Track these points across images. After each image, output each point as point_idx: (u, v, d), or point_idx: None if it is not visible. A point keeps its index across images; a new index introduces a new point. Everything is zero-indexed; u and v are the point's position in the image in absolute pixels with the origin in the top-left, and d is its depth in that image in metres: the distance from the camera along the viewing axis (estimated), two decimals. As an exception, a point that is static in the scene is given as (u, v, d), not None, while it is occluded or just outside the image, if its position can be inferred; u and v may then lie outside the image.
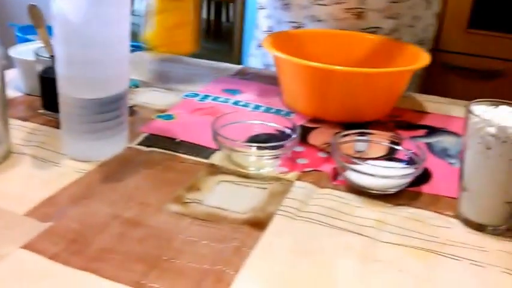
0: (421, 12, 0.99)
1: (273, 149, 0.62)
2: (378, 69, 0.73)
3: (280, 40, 0.84)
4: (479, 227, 0.54)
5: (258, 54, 1.11)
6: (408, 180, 0.58)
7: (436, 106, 0.87)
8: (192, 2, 0.86)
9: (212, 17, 4.81)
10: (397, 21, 0.95)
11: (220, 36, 4.78)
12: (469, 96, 1.07)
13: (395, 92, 0.79)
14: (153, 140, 0.68)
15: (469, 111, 0.51)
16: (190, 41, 0.89)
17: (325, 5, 0.93)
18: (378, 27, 0.94)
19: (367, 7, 0.92)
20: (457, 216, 0.55)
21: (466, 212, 0.54)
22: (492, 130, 0.49)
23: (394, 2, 0.93)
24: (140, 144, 0.67)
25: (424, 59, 0.78)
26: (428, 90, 0.99)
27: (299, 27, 0.98)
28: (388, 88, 0.78)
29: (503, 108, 0.53)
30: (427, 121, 0.80)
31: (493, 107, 0.53)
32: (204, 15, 4.63)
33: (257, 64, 1.11)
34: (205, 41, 4.58)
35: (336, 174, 0.63)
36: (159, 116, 0.76)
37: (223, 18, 5.03)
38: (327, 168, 0.64)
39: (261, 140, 0.68)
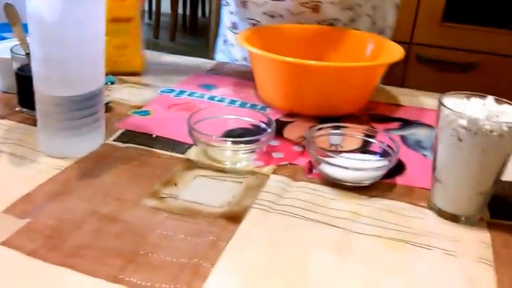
0: (378, 2, 1.01)
1: (248, 144, 0.63)
2: (351, 64, 0.74)
3: (254, 35, 0.85)
4: (453, 218, 0.55)
5: (225, 50, 1.12)
6: (382, 172, 0.59)
7: (410, 99, 0.88)
8: (136, 23, 0.88)
9: (188, 12, 4.79)
10: (353, 13, 0.97)
11: (196, 31, 4.77)
12: (444, 88, 1.08)
13: (369, 86, 0.80)
14: (129, 136, 0.68)
15: (441, 104, 0.52)
16: (136, 60, 0.90)
17: (281, 0, 0.94)
18: (335, 19, 0.96)
19: (322, 0, 0.93)
20: (431, 207, 0.57)
21: (439, 203, 0.56)
22: (464, 122, 0.50)
23: None
24: (116, 140, 0.67)
25: (398, 52, 0.79)
26: (404, 83, 1.01)
27: (256, 24, 0.99)
28: (363, 82, 0.79)
29: (475, 101, 0.54)
30: (401, 114, 0.82)
31: (465, 99, 0.55)
32: (180, 10, 4.61)
33: (224, 59, 1.11)
34: (182, 37, 4.56)
35: (311, 168, 0.63)
36: (135, 112, 0.76)
37: (200, 13, 5.02)
38: (302, 161, 0.65)
39: (236, 134, 0.68)
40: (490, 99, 0.54)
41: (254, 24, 1.00)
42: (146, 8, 4.97)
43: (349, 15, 0.97)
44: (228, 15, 1.09)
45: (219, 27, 1.15)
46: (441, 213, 0.55)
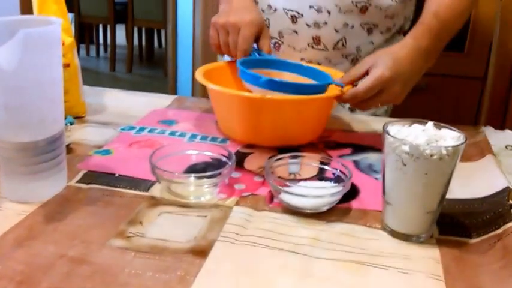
0: (409, 13, 1.06)
1: (211, 178, 0.65)
2: (306, 97, 0.77)
3: (212, 71, 0.88)
4: (404, 237, 0.58)
5: None
6: (337, 197, 0.63)
7: (362, 125, 0.92)
8: (73, 69, 0.89)
9: (144, 43, 4.80)
10: (392, 22, 1.02)
11: (153, 62, 4.78)
12: (395, 112, 1.14)
13: (324, 117, 0.84)
14: (92, 177, 0.70)
15: (385, 132, 0.56)
16: (78, 106, 0.91)
17: None
18: (374, 25, 1.00)
19: (372, 3, 0.96)
20: (384, 228, 0.60)
21: (391, 224, 0.59)
22: (406, 148, 0.54)
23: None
24: (79, 181, 0.68)
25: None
26: (354, 108, 1.05)
27: (297, 17, 0.99)
28: (318, 114, 0.83)
29: (416, 127, 0.58)
30: (354, 139, 0.86)
31: (407, 125, 0.59)
32: (136, 41, 4.62)
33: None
34: (139, 68, 4.57)
35: (271, 197, 0.66)
36: (96, 152, 0.77)
37: (156, 43, 5.04)
38: (264, 191, 0.68)
39: (198, 169, 0.70)
40: (430, 124, 0.58)
41: (294, 17, 1.00)
42: (101, 40, 4.97)
43: (388, 24, 1.01)
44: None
45: (176, 59, 1.16)
46: (394, 234, 0.59)
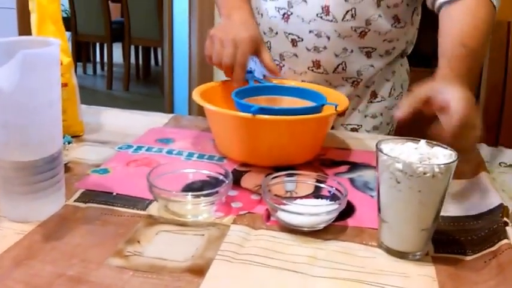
0: (412, 37, 1.06)
1: (208, 196, 0.66)
2: (303, 116, 0.78)
3: (207, 91, 0.89)
4: (400, 255, 0.59)
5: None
6: (334, 215, 0.63)
7: (357, 142, 0.93)
8: (71, 88, 0.90)
9: (141, 61, 4.83)
10: (391, 45, 1.03)
11: (150, 80, 4.81)
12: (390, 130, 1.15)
13: (320, 136, 0.85)
14: (90, 196, 0.70)
15: (378, 150, 0.57)
16: (76, 125, 0.92)
17: (331, 21, 0.97)
18: (373, 48, 1.01)
19: (371, 28, 0.97)
20: (380, 246, 0.61)
21: (386, 242, 0.60)
22: (399, 166, 0.55)
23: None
24: (77, 200, 0.69)
25: (344, 101, 0.85)
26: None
27: (297, 41, 1.00)
28: (314, 133, 0.83)
29: (408, 145, 0.59)
30: (349, 157, 0.86)
31: (400, 144, 0.60)
32: (133, 59, 4.65)
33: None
34: (136, 86, 4.59)
35: (268, 215, 0.67)
36: (94, 171, 0.78)
37: (152, 61, 5.07)
38: (261, 209, 0.68)
39: (196, 187, 0.71)
40: (422, 142, 0.59)
41: (295, 40, 1.01)
42: (98, 59, 4.99)
43: (387, 47, 1.02)
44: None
45: (173, 77, 1.16)
46: (389, 251, 0.59)
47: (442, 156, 0.57)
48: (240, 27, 0.91)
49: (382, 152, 0.57)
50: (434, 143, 0.59)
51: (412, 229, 0.58)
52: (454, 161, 0.56)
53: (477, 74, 0.82)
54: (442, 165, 0.55)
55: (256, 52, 0.92)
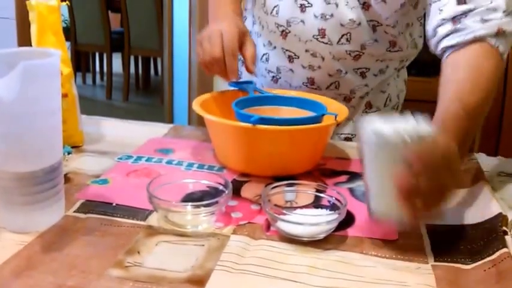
0: (406, 55, 1.06)
1: (207, 206, 0.66)
2: (303, 126, 0.78)
3: (207, 101, 0.89)
4: (389, 216, 0.62)
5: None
6: (334, 225, 0.63)
7: (356, 152, 0.93)
8: (71, 99, 0.90)
9: (140, 71, 4.84)
10: (384, 64, 1.03)
11: (150, 90, 4.81)
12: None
13: (320, 146, 0.85)
14: (90, 206, 0.70)
15: (361, 127, 0.61)
16: (76, 135, 0.92)
17: (326, 43, 0.98)
18: (367, 68, 1.01)
19: (365, 52, 0.98)
20: (371, 216, 0.63)
21: (375, 208, 0.63)
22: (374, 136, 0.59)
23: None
24: (77, 211, 0.69)
25: (344, 111, 0.85)
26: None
27: (294, 57, 1.02)
28: (315, 143, 0.84)
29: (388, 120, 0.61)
30: (349, 167, 0.87)
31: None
32: (133, 69, 4.66)
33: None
34: (136, 96, 4.60)
35: (268, 225, 0.67)
36: (94, 182, 0.78)
37: (152, 71, 5.08)
38: (260, 219, 0.68)
39: (195, 198, 0.71)
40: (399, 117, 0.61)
41: (291, 57, 1.02)
42: (97, 69, 5.01)
43: (381, 66, 1.03)
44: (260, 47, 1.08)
45: (173, 87, 1.17)
46: (380, 217, 0.63)
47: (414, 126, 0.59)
48: (223, 23, 0.92)
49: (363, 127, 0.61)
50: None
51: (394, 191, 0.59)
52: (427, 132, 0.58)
53: (471, 133, 0.74)
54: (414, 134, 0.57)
55: (241, 44, 0.92)
